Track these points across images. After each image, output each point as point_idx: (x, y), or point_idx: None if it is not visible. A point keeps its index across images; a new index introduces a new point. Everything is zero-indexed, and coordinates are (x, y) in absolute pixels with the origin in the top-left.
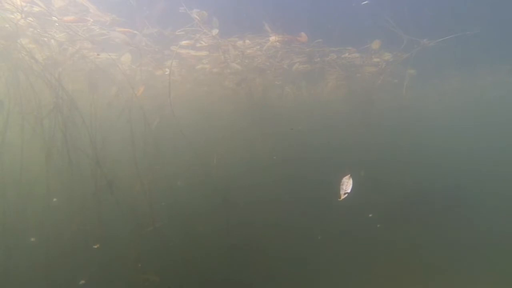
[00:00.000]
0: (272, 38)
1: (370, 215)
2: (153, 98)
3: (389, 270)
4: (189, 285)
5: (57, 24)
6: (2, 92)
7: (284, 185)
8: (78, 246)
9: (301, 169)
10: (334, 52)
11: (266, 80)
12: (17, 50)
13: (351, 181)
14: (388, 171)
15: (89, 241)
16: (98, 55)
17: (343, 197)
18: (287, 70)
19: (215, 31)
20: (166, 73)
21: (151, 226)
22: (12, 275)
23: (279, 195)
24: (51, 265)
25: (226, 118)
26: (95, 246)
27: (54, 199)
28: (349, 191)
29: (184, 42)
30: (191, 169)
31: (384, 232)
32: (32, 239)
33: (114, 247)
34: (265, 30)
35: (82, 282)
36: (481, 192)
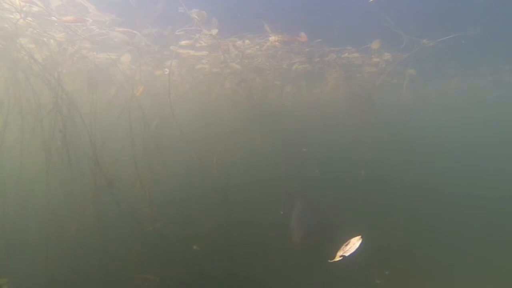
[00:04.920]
0: (272, 38)
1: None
2: (153, 98)
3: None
4: (189, 285)
5: (56, 24)
6: (2, 92)
7: (283, 184)
8: (78, 246)
9: (300, 168)
10: (334, 52)
11: (265, 80)
12: (16, 50)
13: (358, 244)
14: (387, 171)
15: (88, 240)
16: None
17: (337, 259)
18: (287, 70)
19: (214, 31)
20: (166, 73)
21: (151, 226)
22: (11, 275)
23: (278, 194)
24: (51, 265)
25: (226, 118)
26: None
27: None
28: (347, 255)
29: (183, 42)
30: (190, 168)
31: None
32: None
33: (114, 247)
34: (265, 30)
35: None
36: (481, 191)
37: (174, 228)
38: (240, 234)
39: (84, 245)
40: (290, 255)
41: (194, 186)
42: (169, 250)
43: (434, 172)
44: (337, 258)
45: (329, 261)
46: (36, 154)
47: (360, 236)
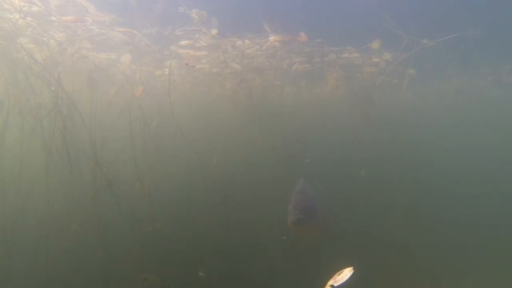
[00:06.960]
0: (272, 38)
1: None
2: (153, 98)
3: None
4: (188, 285)
5: (56, 24)
6: (2, 92)
7: (283, 184)
8: (78, 246)
9: (300, 168)
10: (334, 52)
11: (265, 80)
12: (16, 50)
13: (349, 276)
14: (387, 171)
15: (88, 240)
16: None
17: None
18: (287, 70)
19: (214, 31)
20: (166, 73)
21: (151, 226)
22: (11, 275)
23: (278, 194)
24: (51, 265)
25: (226, 118)
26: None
27: None
28: (336, 285)
29: (183, 42)
30: (190, 168)
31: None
32: None
33: (114, 246)
34: (265, 30)
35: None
36: (481, 191)
37: (174, 228)
38: (240, 234)
39: (84, 245)
40: (290, 255)
41: (194, 186)
42: (169, 250)
43: (434, 172)
44: (327, 287)
45: None
46: (36, 154)
47: (352, 268)
